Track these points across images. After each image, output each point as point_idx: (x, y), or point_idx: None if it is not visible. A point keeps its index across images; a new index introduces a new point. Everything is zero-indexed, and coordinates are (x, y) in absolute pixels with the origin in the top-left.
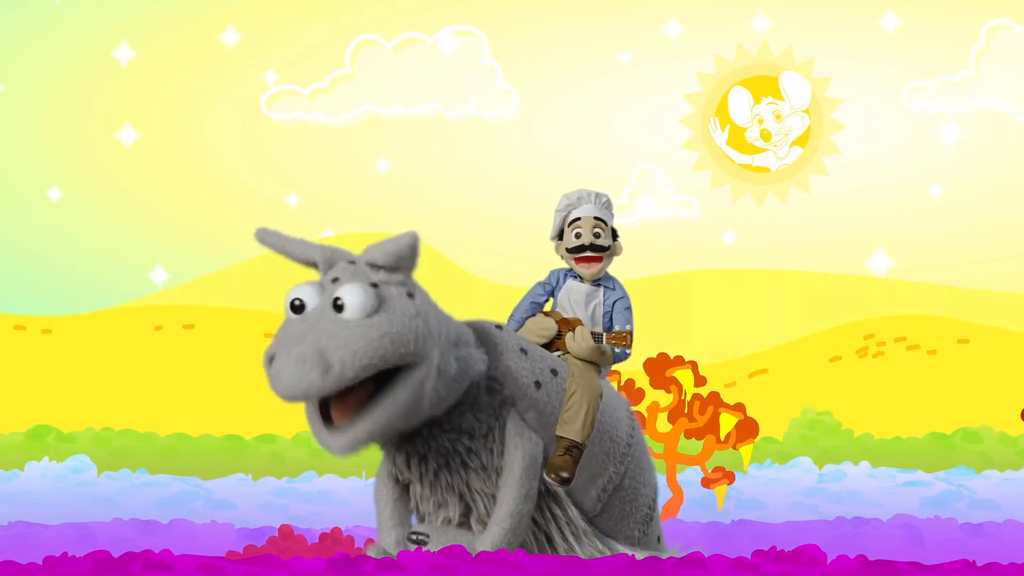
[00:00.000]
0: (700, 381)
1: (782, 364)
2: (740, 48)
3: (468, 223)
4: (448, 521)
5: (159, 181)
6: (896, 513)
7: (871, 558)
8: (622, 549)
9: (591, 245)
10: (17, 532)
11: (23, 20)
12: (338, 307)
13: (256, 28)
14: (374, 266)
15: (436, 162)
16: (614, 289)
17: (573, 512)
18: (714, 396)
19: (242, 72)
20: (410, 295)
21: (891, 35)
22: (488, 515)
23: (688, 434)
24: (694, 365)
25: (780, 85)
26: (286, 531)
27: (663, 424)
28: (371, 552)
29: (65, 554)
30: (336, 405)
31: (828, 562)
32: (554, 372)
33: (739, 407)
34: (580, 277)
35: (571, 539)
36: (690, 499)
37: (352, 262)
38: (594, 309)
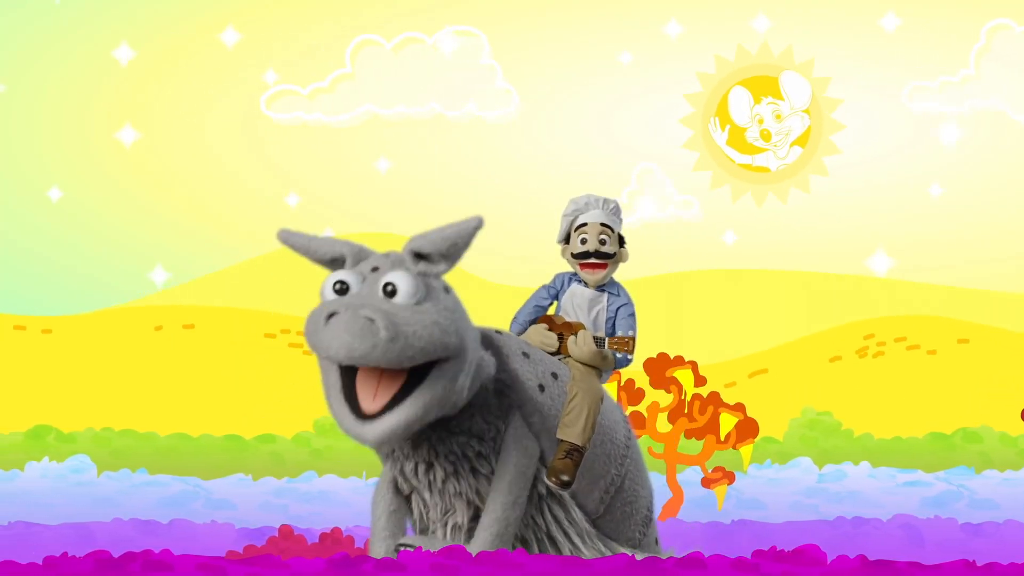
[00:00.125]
0: (700, 381)
1: (782, 364)
2: (740, 48)
3: None
4: (457, 527)
5: (159, 181)
6: (896, 513)
7: (871, 558)
8: (624, 551)
9: (596, 252)
10: (17, 532)
11: (23, 20)
12: (388, 292)
13: (256, 28)
14: (417, 256)
15: (436, 162)
16: (618, 295)
17: (577, 514)
18: (714, 396)
19: (242, 72)
20: (446, 290)
21: (891, 35)
22: None
23: (688, 434)
24: (694, 365)
25: (780, 85)
26: (286, 531)
27: (663, 424)
28: None
29: (65, 554)
30: (367, 390)
31: (828, 562)
32: (555, 376)
33: (739, 407)
34: (584, 282)
35: (576, 540)
36: (690, 499)
37: (385, 255)
38: (597, 314)
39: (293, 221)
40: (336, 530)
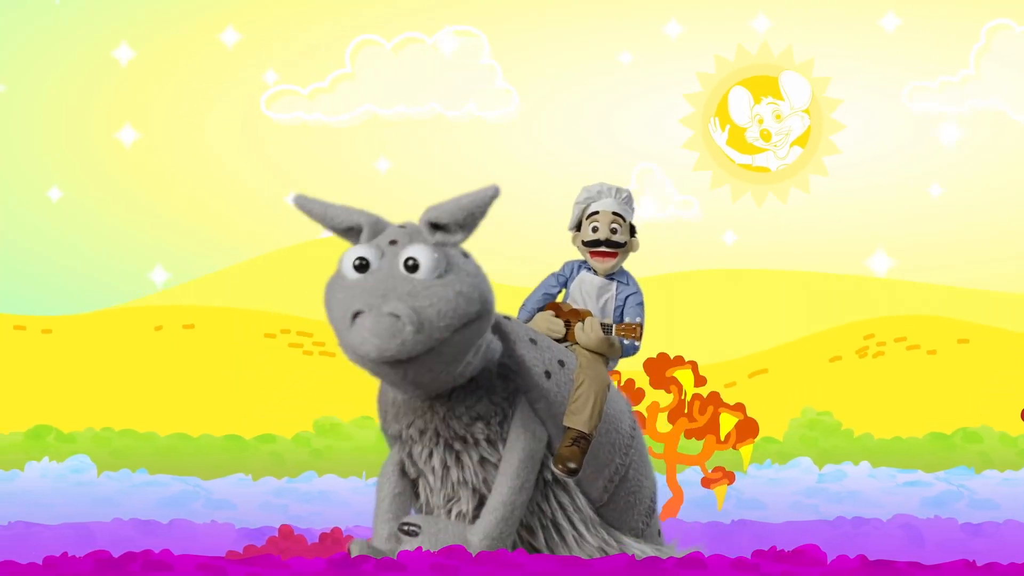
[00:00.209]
0: (700, 381)
1: (782, 364)
2: (740, 48)
3: None
4: (461, 515)
5: (159, 181)
6: (896, 513)
7: (871, 558)
8: (627, 540)
9: (607, 240)
10: (17, 532)
11: (23, 20)
12: (410, 267)
13: (256, 28)
14: (434, 227)
15: (436, 162)
16: (628, 284)
17: (582, 501)
18: (714, 396)
19: (242, 72)
20: (464, 255)
21: (891, 35)
22: None
23: (688, 434)
24: (694, 365)
25: (780, 85)
26: (286, 531)
27: (663, 424)
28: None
29: (65, 554)
30: None
31: (828, 562)
32: (561, 363)
33: (739, 407)
34: (594, 270)
35: (580, 527)
36: (690, 499)
37: (402, 227)
38: (605, 303)
39: (293, 221)
40: (336, 530)
